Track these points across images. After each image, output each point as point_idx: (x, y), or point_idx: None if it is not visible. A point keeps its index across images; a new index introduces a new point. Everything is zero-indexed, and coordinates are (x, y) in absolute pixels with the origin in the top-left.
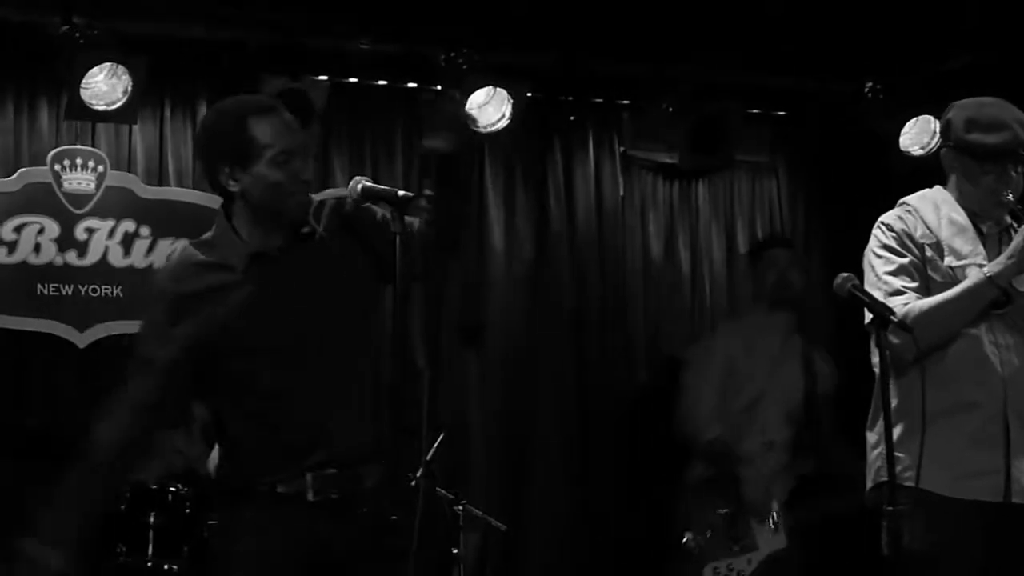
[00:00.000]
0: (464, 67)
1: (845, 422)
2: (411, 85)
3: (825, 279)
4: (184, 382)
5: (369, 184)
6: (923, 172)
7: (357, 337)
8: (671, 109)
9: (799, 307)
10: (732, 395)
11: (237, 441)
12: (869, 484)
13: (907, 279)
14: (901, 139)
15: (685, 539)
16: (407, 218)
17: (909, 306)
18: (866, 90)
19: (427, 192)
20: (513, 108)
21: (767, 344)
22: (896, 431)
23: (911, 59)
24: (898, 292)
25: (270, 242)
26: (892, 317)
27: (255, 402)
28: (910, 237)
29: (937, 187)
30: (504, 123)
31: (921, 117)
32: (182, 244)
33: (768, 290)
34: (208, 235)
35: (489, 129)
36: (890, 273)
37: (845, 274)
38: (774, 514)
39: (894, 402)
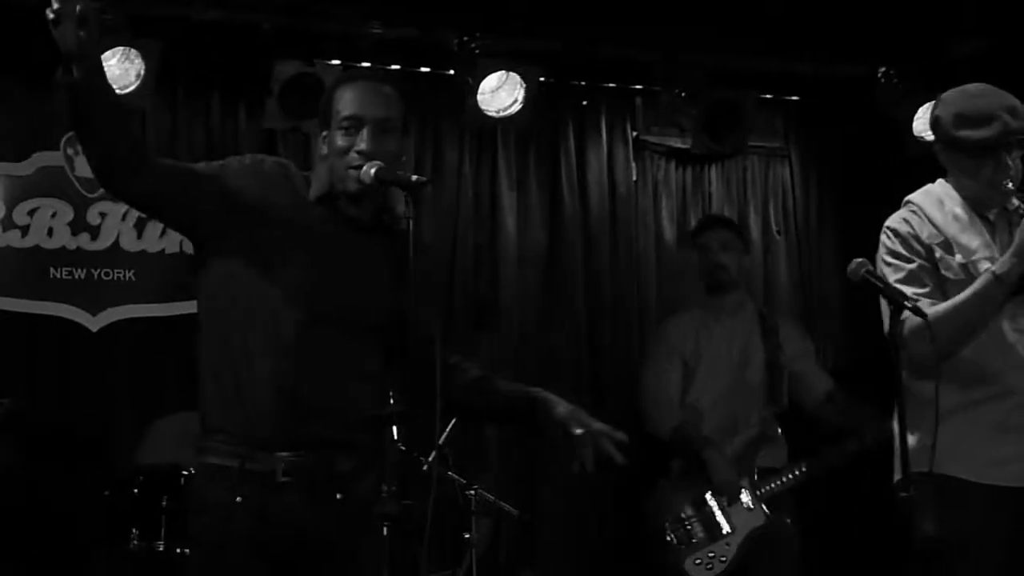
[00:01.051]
0: (477, 52)
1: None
2: (424, 70)
3: (838, 264)
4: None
5: (382, 169)
6: (936, 157)
7: (368, 341)
8: (684, 94)
9: (741, 284)
10: (692, 385)
11: (215, 387)
12: (897, 474)
13: (917, 286)
14: (914, 124)
15: (669, 538)
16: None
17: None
18: (879, 75)
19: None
20: (526, 93)
21: (718, 328)
22: (924, 422)
23: (924, 44)
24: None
25: (344, 206)
26: (906, 303)
27: (244, 353)
28: (917, 239)
29: (940, 180)
30: (517, 108)
31: (934, 102)
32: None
33: (704, 276)
34: (293, 166)
35: (502, 114)
36: (900, 281)
37: (859, 259)
38: (744, 492)
39: (918, 396)
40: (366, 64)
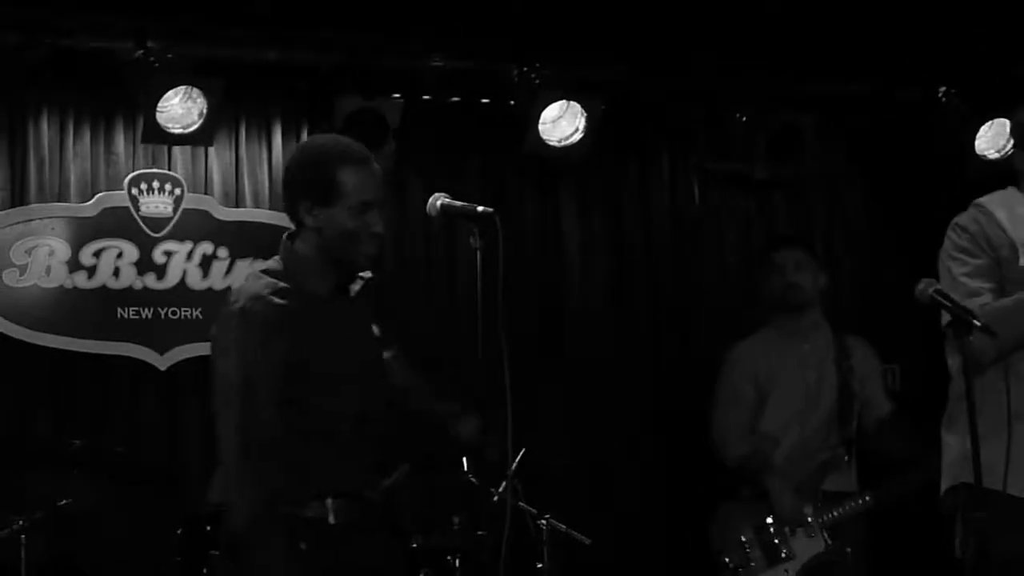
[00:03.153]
0: (537, 82)
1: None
2: (484, 101)
3: (904, 286)
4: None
5: (448, 201)
6: (999, 176)
7: (380, 391)
8: (745, 120)
9: (817, 303)
10: (765, 409)
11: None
12: (945, 486)
13: (983, 281)
14: (976, 143)
15: (727, 560)
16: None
17: (986, 308)
18: (940, 95)
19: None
20: (587, 122)
21: (792, 351)
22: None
23: (984, 63)
24: (975, 294)
25: (343, 278)
26: (975, 321)
27: (299, 433)
28: (985, 239)
29: (1010, 187)
30: (578, 137)
31: (996, 121)
32: (251, 269)
33: (777, 297)
34: (273, 263)
35: (563, 143)
36: (966, 275)
37: (927, 279)
38: (809, 519)
39: (965, 406)
40: (427, 97)
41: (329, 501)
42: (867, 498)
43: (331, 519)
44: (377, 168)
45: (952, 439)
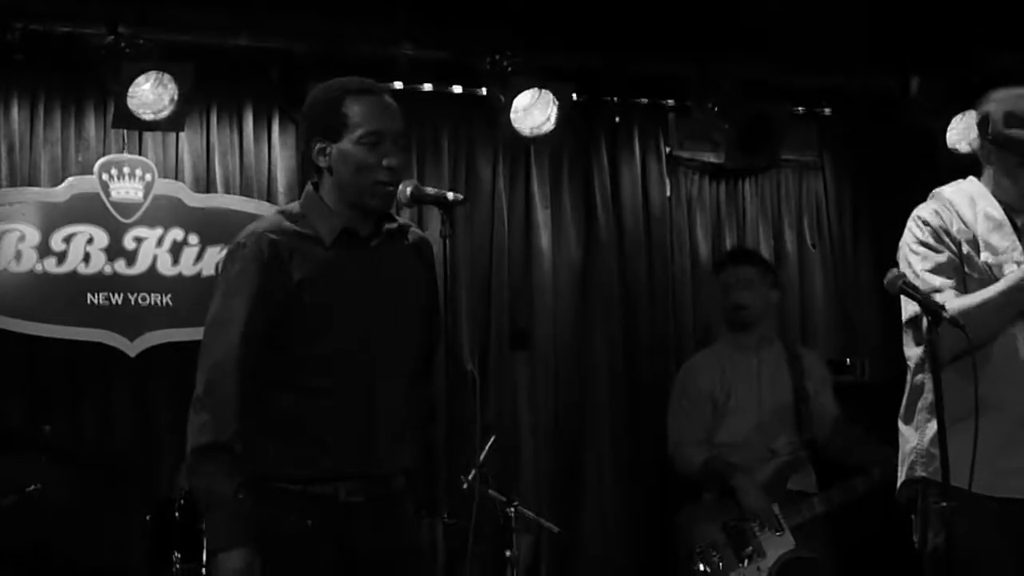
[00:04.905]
0: (509, 70)
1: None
2: (456, 89)
3: (874, 276)
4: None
5: (418, 188)
6: (970, 168)
7: (409, 352)
8: (717, 109)
9: (767, 319)
10: (723, 422)
11: (279, 432)
12: (901, 479)
13: (945, 276)
14: (948, 135)
15: (699, 566)
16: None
17: (949, 304)
18: (912, 87)
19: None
20: (559, 110)
21: (744, 363)
22: (930, 428)
23: (957, 55)
24: (937, 290)
25: (357, 224)
26: (945, 314)
27: (307, 391)
28: (947, 232)
29: (971, 178)
30: (550, 125)
31: (968, 113)
32: (271, 213)
33: (725, 315)
34: (295, 205)
35: (535, 132)
36: (929, 271)
37: (896, 271)
38: (777, 517)
39: (928, 398)
40: (399, 85)
41: (342, 484)
42: (827, 499)
43: (341, 496)
44: (389, 101)
45: (909, 432)
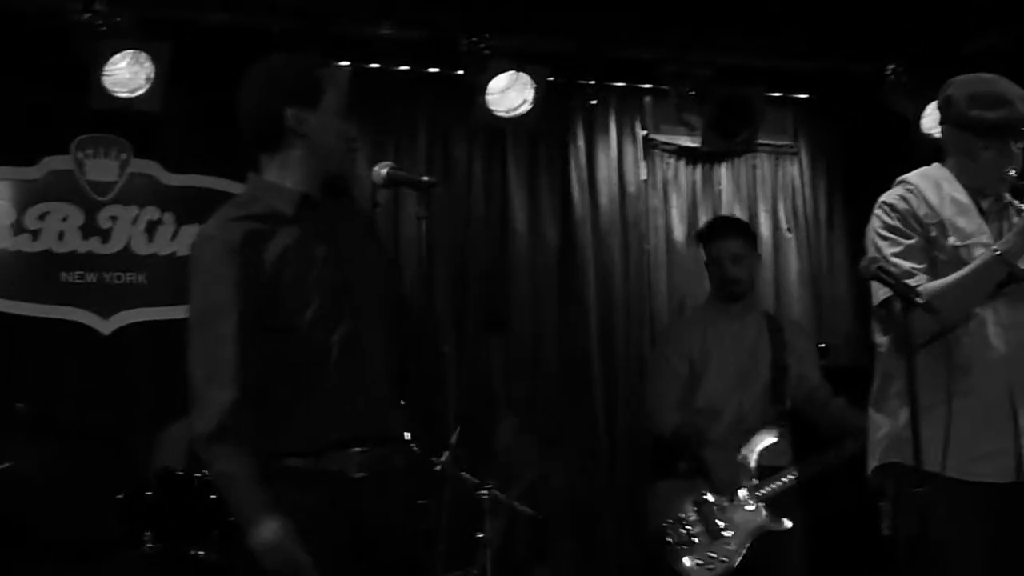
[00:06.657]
0: (486, 52)
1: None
2: (433, 70)
3: (848, 261)
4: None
5: (394, 170)
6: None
7: (385, 299)
8: (693, 92)
9: (750, 290)
10: (700, 384)
11: (275, 407)
12: (873, 464)
13: (915, 261)
14: (923, 121)
15: (668, 539)
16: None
17: (921, 288)
18: (888, 72)
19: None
20: (535, 93)
21: (726, 328)
22: (903, 413)
23: (932, 40)
24: (908, 274)
25: (314, 190)
26: (918, 299)
27: (303, 363)
28: (914, 217)
29: (936, 164)
30: (526, 108)
31: (946, 85)
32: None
33: (717, 288)
34: (242, 193)
35: (511, 114)
36: (898, 255)
37: (872, 255)
38: (745, 491)
39: (899, 384)
40: (375, 65)
41: (352, 454)
42: (802, 470)
43: (354, 472)
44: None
45: (880, 417)
